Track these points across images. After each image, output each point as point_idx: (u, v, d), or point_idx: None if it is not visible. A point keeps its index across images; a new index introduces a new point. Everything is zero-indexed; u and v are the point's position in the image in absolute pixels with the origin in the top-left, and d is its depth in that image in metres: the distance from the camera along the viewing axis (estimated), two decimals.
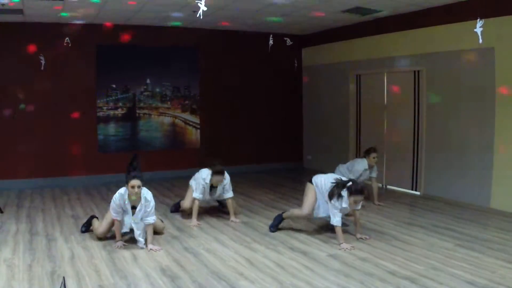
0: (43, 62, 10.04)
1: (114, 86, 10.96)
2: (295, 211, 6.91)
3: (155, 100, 11.44)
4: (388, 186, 10.19)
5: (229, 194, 7.53)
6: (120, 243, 6.12)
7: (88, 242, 6.36)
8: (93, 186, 10.25)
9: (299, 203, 8.50)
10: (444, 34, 8.73)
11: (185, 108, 11.77)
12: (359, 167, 8.33)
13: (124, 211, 6.08)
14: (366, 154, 8.41)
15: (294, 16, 9.96)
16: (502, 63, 7.81)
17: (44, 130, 10.27)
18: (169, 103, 11.58)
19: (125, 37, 10.92)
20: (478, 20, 6.48)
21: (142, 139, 11.37)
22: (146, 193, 6.05)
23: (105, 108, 10.90)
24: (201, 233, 6.83)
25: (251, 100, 12.07)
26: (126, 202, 6.02)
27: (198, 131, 11.81)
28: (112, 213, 6.07)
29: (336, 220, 6.20)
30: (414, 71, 9.54)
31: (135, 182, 5.86)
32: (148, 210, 6.00)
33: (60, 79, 10.37)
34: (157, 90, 11.45)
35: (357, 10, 9.25)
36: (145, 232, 6.10)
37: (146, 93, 11.34)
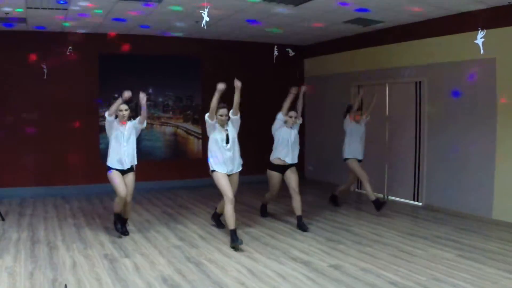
0: (45, 70, 10.07)
1: (116, 95, 10.93)
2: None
3: (157, 109, 11.47)
4: (390, 197, 10.18)
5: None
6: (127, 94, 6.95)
7: (89, 250, 6.37)
8: (95, 195, 10.25)
9: (302, 213, 8.53)
10: (446, 45, 8.76)
11: (187, 118, 11.79)
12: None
13: (116, 138, 6.96)
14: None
15: (295, 27, 10.00)
16: (503, 74, 7.83)
17: (46, 138, 10.29)
18: (171, 112, 11.61)
19: (128, 47, 10.97)
20: (479, 31, 6.50)
21: (144, 148, 11.37)
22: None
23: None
24: (203, 243, 6.82)
25: (253, 110, 12.06)
26: (117, 124, 6.99)
27: (200, 141, 11.82)
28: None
29: None
30: (416, 82, 9.56)
31: (123, 106, 6.99)
32: (138, 120, 7.18)
33: (63, 88, 10.40)
34: (160, 99, 11.48)
35: (359, 21, 9.29)
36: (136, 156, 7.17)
37: (148, 103, 11.32)
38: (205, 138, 11.72)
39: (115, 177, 6.96)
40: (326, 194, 10.68)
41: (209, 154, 6.88)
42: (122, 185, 6.94)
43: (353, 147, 8.87)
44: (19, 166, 10.10)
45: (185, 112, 11.75)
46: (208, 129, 6.86)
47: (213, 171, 6.82)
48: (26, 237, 6.98)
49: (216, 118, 6.72)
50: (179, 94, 11.66)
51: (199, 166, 11.58)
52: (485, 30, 6.48)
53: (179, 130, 11.73)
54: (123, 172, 7.04)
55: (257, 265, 5.86)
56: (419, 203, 9.49)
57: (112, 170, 7.00)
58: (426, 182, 9.34)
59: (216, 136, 6.78)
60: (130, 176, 7.13)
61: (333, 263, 5.94)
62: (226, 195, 6.65)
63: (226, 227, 6.95)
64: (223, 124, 6.83)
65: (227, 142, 6.79)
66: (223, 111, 6.78)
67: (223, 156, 6.78)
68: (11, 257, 6.02)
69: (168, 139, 11.64)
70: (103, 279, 5.29)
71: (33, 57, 10.13)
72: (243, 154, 7.24)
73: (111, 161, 7.01)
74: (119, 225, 7.16)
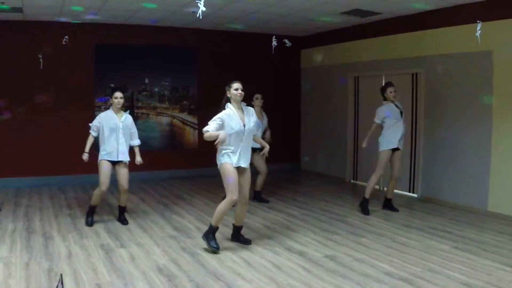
0: (41, 61, 10.02)
1: (112, 85, 10.94)
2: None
3: (153, 100, 11.44)
4: (386, 188, 10.18)
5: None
6: (86, 156, 7.00)
7: (85, 240, 6.37)
8: (91, 184, 10.20)
9: (298, 204, 8.52)
10: (443, 36, 8.76)
11: (183, 108, 11.77)
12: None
13: (111, 129, 6.98)
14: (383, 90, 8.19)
15: (293, 18, 9.98)
16: (500, 66, 7.83)
17: (42, 128, 10.26)
18: (167, 103, 11.58)
19: (124, 37, 10.92)
20: (478, 23, 6.50)
21: (140, 138, 11.32)
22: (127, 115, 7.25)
23: (103, 107, 10.88)
24: (199, 233, 6.81)
25: (249, 101, 12.04)
26: (111, 113, 7.06)
27: (196, 131, 11.81)
28: (91, 132, 7.09)
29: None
30: (413, 74, 9.56)
31: (118, 93, 7.03)
32: (133, 131, 7.28)
33: (59, 78, 10.36)
34: (156, 90, 11.45)
35: (356, 12, 9.27)
36: (128, 153, 7.18)
37: (144, 93, 11.34)
38: (201, 128, 11.74)
39: (102, 168, 6.98)
40: (322, 185, 10.73)
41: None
42: (107, 177, 6.96)
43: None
44: (14, 156, 10.07)
45: (181, 102, 11.73)
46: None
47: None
48: (21, 228, 6.98)
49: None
50: (175, 84, 11.64)
51: (195, 156, 11.61)
52: (480, 22, 6.49)
53: (175, 120, 11.72)
54: (115, 162, 7.05)
55: (253, 255, 5.88)
56: (415, 195, 9.51)
57: (103, 160, 7.01)
58: (422, 174, 9.36)
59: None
60: (123, 165, 7.14)
61: (329, 253, 5.96)
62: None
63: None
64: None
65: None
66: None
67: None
68: (6, 247, 6.02)
69: (164, 129, 11.62)
70: (99, 269, 5.30)
71: (29, 47, 10.07)
72: None
73: (101, 152, 7.05)
74: (90, 217, 7.18)
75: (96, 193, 7.06)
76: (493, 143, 7.99)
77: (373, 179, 8.13)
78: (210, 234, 6.06)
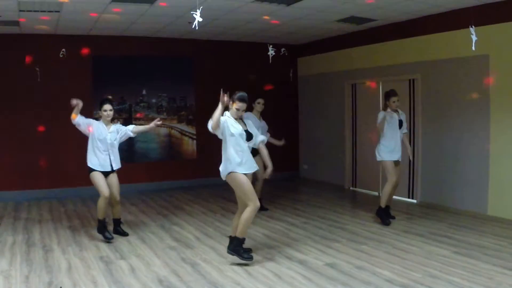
0: (39, 73, 10.04)
1: (110, 97, 10.94)
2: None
3: (151, 111, 11.45)
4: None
5: (260, 137, 6.28)
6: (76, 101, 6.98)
7: (85, 253, 6.36)
8: (90, 197, 10.20)
9: (297, 212, 8.52)
10: (439, 42, 8.79)
11: (181, 118, 11.79)
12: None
13: (101, 141, 6.95)
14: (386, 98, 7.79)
15: (289, 26, 10.00)
16: (496, 70, 7.86)
17: (40, 141, 10.26)
18: (165, 114, 11.60)
19: (121, 48, 10.95)
20: (471, 27, 6.53)
21: (139, 150, 11.37)
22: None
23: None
24: (198, 243, 6.82)
25: (247, 110, 12.04)
26: (102, 125, 7.03)
27: (195, 141, 11.82)
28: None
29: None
30: (410, 80, 9.58)
31: (107, 106, 7.00)
32: (122, 130, 7.16)
33: (57, 91, 10.37)
34: (153, 101, 11.47)
35: (352, 19, 9.30)
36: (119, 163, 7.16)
37: (142, 104, 11.36)
38: (199, 139, 11.78)
39: (97, 177, 6.94)
40: (321, 193, 10.72)
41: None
42: (106, 185, 6.92)
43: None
44: (12, 169, 10.07)
45: (179, 113, 11.75)
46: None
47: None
48: (21, 241, 6.97)
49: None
50: (172, 95, 11.66)
51: (194, 166, 11.61)
52: (473, 27, 6.51)
53: (173, 131, 11.73)
54: (106, 173, 7.03)
55: (253, 264, 5.86)
56: (414, 201, 9.50)
57: (94, 171, 6.98)
58: (421, 179, 9.37)
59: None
60: (114, 176, 7.13)
61: (329, 261, 5.95)
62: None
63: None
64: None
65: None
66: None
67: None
68: (6, 260, 6.01)
69: (162, 140, 11.63)
70: (99, 282, 5.28)
71: (27, 60, 10.09)
72: None
73: (93, 163, 7.01)
74: (107, 232, 6.93)
75: (101, 203, 6.88)
76: (491, 147, 8.00)
77: (387, 187, 7.77)
78: (238, 248, 5.84)
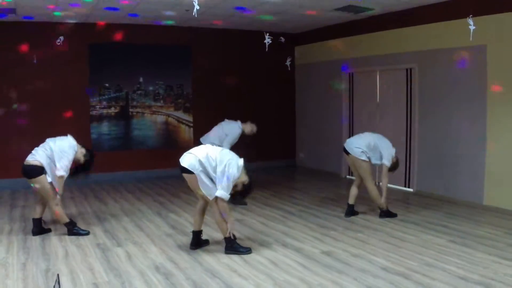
0: (36, 61, 10.00)
1: (107, 85, 10.96)
2: None
3: (148, 98, 11.43)
4: (381, 183, 10.20)
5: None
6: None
7: (81, 240, 6.36)
8: (87, 184, 10.21)
9: (294, 200, 8.52)
10: (437, 32, 8.76)
11: (178, 106, 11.77)
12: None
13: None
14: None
15: (286, 14, 9.97)
16: (494, 61, 7.85)
17: (37, 129, 10.21)
18: (162, 101, 11.58)
19: (118, 36, 10.90)
20: (469, 17, 6.52)
21: (136, 137, 11.37)
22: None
23: (98, 107, 10.90)
24: None
25: (244, 98, 12.05)
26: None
27: (191, 129, 11.81)
28: (65, 171, 6.75)
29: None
30: (407, 69, 9.58)
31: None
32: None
33: (53, 78, 10.34)
34: (150, 88, 11.45)
35: (349, 8, 9.27)
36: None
37: (139, 92, 11.33)
38: (196, 126, 11.77)
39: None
40: (317, 182, 10.74)
41: None
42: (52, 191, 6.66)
43: None
44: (9, 157, 10.04)
45: (176, 101, 11.73)
46: None
47: None
48: (18, 229, 6.98)
49: None
50: (170, 83, 11.63)
51: None
52: (475, 17, 6.50)
53: (170, 119, 11.72)
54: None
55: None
56: (411, 190, 9.53)
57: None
58: (417, 168, 9.38)
59: None
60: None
61: (325, 249, 5.97)
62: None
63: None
64: None
65: None
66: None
67: None
68: (3, 248, 6.02)
69: (159, 128, 11.62)
70: (96, 269, 5.30)
71: (23, 47, 10.04)
72: None
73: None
74: (81, 229, 6.70)
75: (57, 205, 6.61)
76: (487, 137, 8.01)
77: (370, 187, 7.57)
78: (232, 245, 5.84)
